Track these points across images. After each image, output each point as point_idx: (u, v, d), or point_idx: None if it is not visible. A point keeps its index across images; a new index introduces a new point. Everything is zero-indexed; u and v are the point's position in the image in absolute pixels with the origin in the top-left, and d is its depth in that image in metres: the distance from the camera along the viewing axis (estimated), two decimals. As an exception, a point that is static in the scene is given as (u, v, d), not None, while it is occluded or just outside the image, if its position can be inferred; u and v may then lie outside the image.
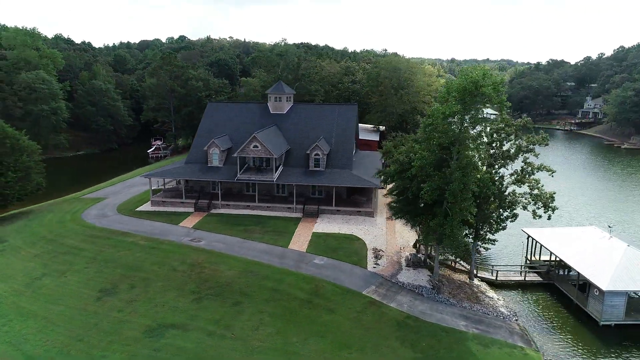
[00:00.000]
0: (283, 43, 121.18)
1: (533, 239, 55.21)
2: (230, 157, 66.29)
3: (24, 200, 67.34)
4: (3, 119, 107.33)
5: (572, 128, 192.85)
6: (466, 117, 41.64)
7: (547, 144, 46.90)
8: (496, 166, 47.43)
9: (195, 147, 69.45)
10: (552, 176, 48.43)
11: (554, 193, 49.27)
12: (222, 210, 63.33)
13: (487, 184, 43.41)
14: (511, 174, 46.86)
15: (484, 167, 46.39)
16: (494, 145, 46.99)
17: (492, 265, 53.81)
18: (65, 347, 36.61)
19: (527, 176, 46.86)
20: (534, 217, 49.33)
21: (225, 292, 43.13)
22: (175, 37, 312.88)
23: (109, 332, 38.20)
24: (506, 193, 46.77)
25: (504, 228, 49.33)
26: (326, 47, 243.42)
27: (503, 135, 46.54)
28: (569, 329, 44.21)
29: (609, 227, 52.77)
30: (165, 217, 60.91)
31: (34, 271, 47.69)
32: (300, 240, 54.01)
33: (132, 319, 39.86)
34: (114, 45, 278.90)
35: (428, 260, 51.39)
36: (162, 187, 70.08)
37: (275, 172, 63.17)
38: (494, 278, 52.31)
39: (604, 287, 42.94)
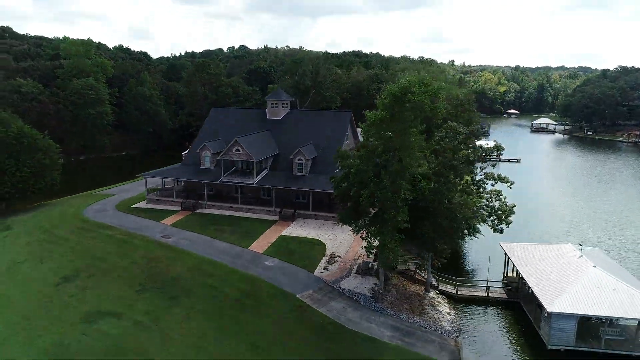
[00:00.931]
0: (300, 49, 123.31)
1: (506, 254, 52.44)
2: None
3: (41, 194, 74.46)
4: (56, 121, 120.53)
5: (638, 140, 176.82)
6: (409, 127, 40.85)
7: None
8: (450, 176, 45.76)
9: (192, 150, 73.16)
10: (510, 187, 45.94)
11: (514, 206, 46.87)
12: (207, 211, 66.18)
13: (425, 194, 42.16)
14: (460, 184, 45.05)
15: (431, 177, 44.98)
16: (444, 153, 45.43)
17: (455, 279, 51.65)
18: (12, 324, 40.59)
19: (479, 187, 44.84)
20: (494, 231, 47.32)
21: (168, 287, 45.37)
22: (248, 46, 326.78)
23: (53, 315, 41.71)
24: (455, 202, 44.94)
25: (462, 238, 47.41)
26: (377, 54, 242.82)
27: (452, 143, 44.85)
28: (516, 350, 41.75)
29: (580, 245, 48.72)
30: (152, 214, 64.79)
31: (19, 256, 52.98)
32: (263, 242, 55.25)
33: (77, 304, 43.19)
34: (179, 55, 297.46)
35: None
36: (160, 186, 74.44)
37: (257, 175, 65.01)
38: (454, 292, 50.24)
39: (549, 309, 40.04)
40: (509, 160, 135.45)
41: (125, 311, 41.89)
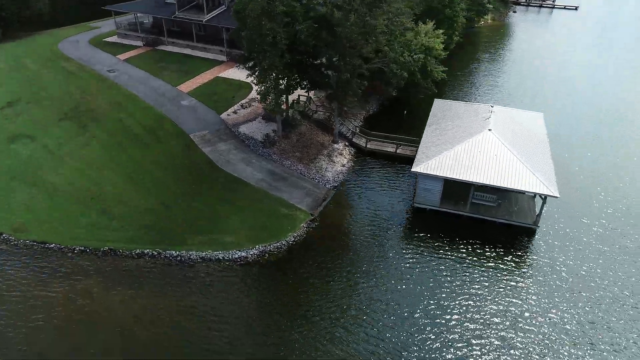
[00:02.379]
0: None
1: (434, 110, 49.41)
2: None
3: (33, 25, 78.06)
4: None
5: None
6: None
7: None
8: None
9: (160, -18, 70.90)
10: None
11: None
12: (167, 48, 66.79)
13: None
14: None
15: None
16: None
17: (372, 133, 50.45)
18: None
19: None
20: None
21: (84, 117, 49.20)
22: None
23: (-12, 135, 47.99)
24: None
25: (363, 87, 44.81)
26: None
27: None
28: (383, 203, 42.03)
29: (491, 107, 44.34)
30: (115, 48, 66.78)
31: (-18, 81, 58.86)
32: (195, 82, 56.19)
33: (8, 126, 48.72)
34: None
35: (299, 116, 49.90)
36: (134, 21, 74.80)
37: (209, 13, 62.87)
38: (364, 146, 49.61)
39: (413, 168, 39.11)
40: (564, 7, 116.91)
41: (40, 136, 46.84)
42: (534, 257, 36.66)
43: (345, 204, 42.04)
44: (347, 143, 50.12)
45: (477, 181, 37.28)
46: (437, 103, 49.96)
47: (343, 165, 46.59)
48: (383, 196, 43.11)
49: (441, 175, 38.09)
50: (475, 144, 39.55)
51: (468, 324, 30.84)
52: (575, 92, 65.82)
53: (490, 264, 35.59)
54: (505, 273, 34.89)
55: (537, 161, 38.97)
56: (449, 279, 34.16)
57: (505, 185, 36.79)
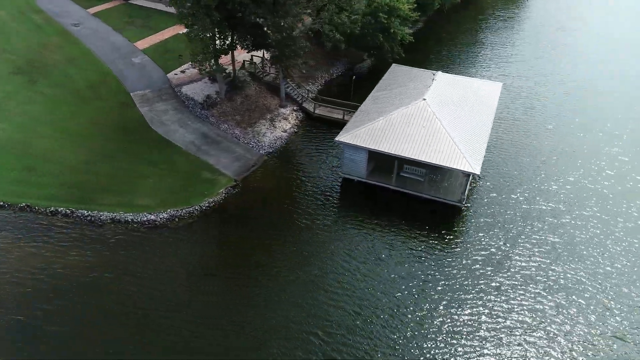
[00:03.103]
0: None
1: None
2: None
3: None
4: None
5: None
6: None
7: None
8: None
9: None
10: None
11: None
12: (138, 1, 65.52)
13: None
14: None
15: None
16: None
17: (323, 99, 48.67)
18: None
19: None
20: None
21: (35, 72, 49.17)
22: None
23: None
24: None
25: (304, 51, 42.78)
26: None
27: None
28: (320, 175, 40.90)
29: (433, 74, 41.56)
30: (87, 1, 65.95)
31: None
32: (154, 39, 55.15)
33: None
34: None
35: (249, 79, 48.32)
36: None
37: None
38: (312, 111, 47.98)
39: (337, 137, 37.69)
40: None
41: (-10, 88, 47.52)
42: (451, 236, 35.13)
43: (274, 172, 41.11)
44: (296, 108, 48.62)
45: (397, 153, 35.52)
46: (393, 68, 47.41)
47: (284, 131, 45.34)
48: (316, 164, 41.93)
49: (362, 145, 36.48)
50: (407, 114, 37.45)
51: (370, 297, 30.14)
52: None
53: (406, 240, 34.38)
54: (420, 250, 33.67)
55: (469, 135, 36.69)
56: (363, 254, 33.19)
57: (424, 159, 34.96)
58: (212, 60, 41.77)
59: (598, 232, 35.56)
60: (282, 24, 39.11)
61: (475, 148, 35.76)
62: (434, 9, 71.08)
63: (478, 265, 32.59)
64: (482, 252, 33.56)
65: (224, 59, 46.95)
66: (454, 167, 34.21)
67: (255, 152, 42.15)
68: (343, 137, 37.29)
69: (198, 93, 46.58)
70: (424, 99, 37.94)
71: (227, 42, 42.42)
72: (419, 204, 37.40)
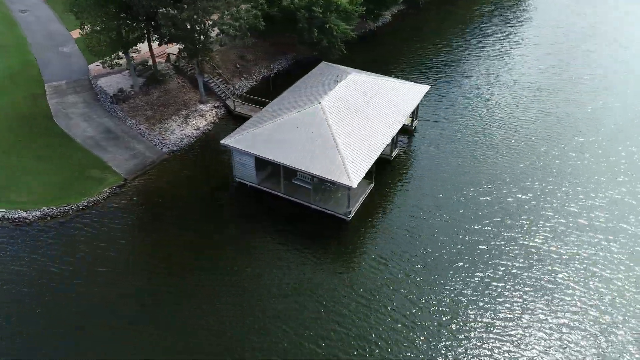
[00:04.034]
0: None
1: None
2: None
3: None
4: None
5: None
6: None
7: None
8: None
9: None
10: None
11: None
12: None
13: None
14: None
15: None
16: None
17: (247, 97, 46.54)
18: None
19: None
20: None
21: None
22: None
23: None
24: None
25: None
26: None
27: None
28: (217, 178, 38.90)
29: (337, 76, 38.58)
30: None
31: None
32: (93, 28, 54.01)
33: None
34: None
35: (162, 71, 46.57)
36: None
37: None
38: (233, 109, 45.89)
39: (222, 140, 35.58)
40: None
41: None
42: (334, 250, 32.60)
43: (170, 171, 39.20)
44: (219, 104, 46.63)
45: (277, 160, 33.11)
46: (320, 67, 44.59)
47: (197, 129, 43.41)
48: (218, 166, 39.91)
49: (245, 150, 34.25)
50: (298, 118, 34.86)
51: (241, 305, 28.19)
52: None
53: (280, 255, 32.12)
54: (300, 265, 31.36)
55: (361, 144, 33.79)
56: (241, 266, 31.19)
57: (303, 168, 32.44)
58: (114, 53, 40.13)
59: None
60: (180, 17, 37.02)
61: (363, 158, 32.94)
62: (399, 3, 67.55)
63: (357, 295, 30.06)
64: (364, 282, 30.91)
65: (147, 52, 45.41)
66: (331, 178, 31.55)
67: (157, 150, 40.45)
68: (229, 140, 35.11)
69: (113, 85, 45.14)
70: (319, 103, 35.24)
71: (133, 35, 40.63)
72: (307, 215, 34.93)
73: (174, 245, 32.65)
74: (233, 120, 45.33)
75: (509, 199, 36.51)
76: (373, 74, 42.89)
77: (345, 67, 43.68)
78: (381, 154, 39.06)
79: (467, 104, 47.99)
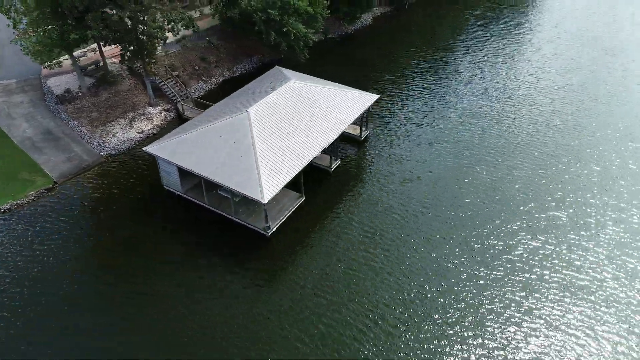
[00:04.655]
0: None
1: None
2: None
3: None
4: None
5: None
6: None
7: None
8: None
9: None
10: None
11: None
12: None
13: None
14: None
15: None
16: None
17: (199, 101, 45.42)
18: None
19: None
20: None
21: None
22: None
23: None
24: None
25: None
26: None
27: None
28: (151, 184, 37.82)
29: (270, 83, 36.92)
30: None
31: None
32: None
33: None
34: None
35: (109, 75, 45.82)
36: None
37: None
38: (182, 112, 44.83)
39: (145, 147, 34.54)
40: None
41: None
42: (249, 267, 31.08)
43: (103, 176, 38.27)
44: (169, 108, 45.64)
45: (195, 170, 31.82)
46: (272, 71, 42.92)
47: (141, 132, 42.47)
48: (154, 172, 38.63)
49: (166, 158, 33.08)
50: (224, 127, 33.47)
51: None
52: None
53: (201, 267, 30.84)
54: (211, 280, 30.06)
55: (284, 156, 32.17)
56: (153, 278, 30.12)
57: (218, 180, 31.02)
58: (55, 54, 39.30)
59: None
60: (112, 18, 36.06)
61: (284, 171, 31.34)
62: (381, 5, 65.58)
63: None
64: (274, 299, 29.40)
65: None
66: (244, 192, 30.05)
67: (95, 154, 39.67)
68: (152, 147, 34.02)
69: (62, 86, 44.58)
70: (247, 111, 33.76)
71: (74, 36, 39.67)
72: (231, 228, 33.52)
73: (88, 253, 31.79)
74: (181, 125, 44.32)
75: (434, 223, 34.42)
76: (322, 80, 41.21)
77: (295, 73, 42.02)
78: (320, 165, 38.00)
79: (430, 117, 45.79)
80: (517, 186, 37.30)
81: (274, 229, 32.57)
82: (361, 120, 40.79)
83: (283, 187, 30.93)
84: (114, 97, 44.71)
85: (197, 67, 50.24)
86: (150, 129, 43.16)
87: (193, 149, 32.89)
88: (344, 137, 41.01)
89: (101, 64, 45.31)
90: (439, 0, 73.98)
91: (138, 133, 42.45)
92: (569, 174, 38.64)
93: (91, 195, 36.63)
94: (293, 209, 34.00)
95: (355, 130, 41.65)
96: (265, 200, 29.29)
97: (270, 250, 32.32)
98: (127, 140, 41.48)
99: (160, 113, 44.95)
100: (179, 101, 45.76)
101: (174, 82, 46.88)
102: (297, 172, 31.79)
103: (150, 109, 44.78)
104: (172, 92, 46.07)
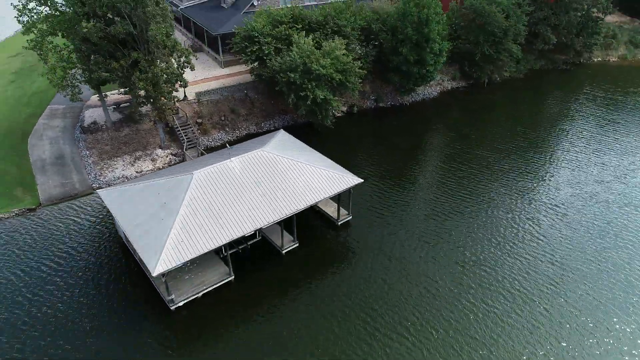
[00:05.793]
0: None
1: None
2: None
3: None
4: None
5: None
6: None
7: None
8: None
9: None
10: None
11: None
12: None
13: None
14: None
15: None
16: None
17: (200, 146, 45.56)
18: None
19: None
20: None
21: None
22: None
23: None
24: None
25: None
26: None
27: None
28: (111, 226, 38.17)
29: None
30: None
31: None
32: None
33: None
34: None
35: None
36: None
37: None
38: (186, 159, 45.09)
39: (99, 189, 34.57)
40: None
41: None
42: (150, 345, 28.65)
43: (82, 208, 39.60)
44: (179, 152, 46.41)
45: (119, 223, 30.98)
46: (274, 134, 40.94)
47: (139, 172, 43.55)
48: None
49: (106, 203, 32.86)
50: (166, 184, 32.23)
51: None
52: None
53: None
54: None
55: (211, 229, 29.50)
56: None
57: (130, 238, 29.60)
58: (77, 90, 42.23)
59: None
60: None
61: (198, 246, 28.67)
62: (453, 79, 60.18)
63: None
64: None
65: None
66: (142, 257, 28.05)
67: (87, 184, 41.61)
68: (102, 190, 34.22)
69: (93, 117, 48.36)
70: (192, 174, 32.16)
71: (100, 76, 42.29)
72: (151, 290, 31.68)
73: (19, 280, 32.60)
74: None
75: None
76: (311, 150, 38.25)
77: (295, 140, 39.77)
78: (272, 244, 34.65)
79: (438, 218, 39.40)
80: None
81: (181, 304, 29.92)
82: (338, 203, 36.47)
83: (216, 258, 28.40)
84: (132, 134, 47.08)
85: (223, 117, 50.83)
86: (149, 170, 44.15)
87: (131, 201, 32.27)
88: (322, 217, 37.23)
89: (129, 103, 48.41)
90: (535, 84, 65.47)
91: (136, 172, 43.69)
92: None
93: (61, 223, 37.96)
94: (212, 287, 31.00)
95: (332, 212, 37.40)
96: (155, 274, 26.96)
97: (173, 325, 29.61)
98: (122, 177, 42.87)
99: (167, 157, 45.93)
100: (189, 148, 46.40)
101: (190, 129, 47.86)
102: (211, 249, 28.93)
103: (159, 151, 46.06)
104: (184, 139, 46.95)
